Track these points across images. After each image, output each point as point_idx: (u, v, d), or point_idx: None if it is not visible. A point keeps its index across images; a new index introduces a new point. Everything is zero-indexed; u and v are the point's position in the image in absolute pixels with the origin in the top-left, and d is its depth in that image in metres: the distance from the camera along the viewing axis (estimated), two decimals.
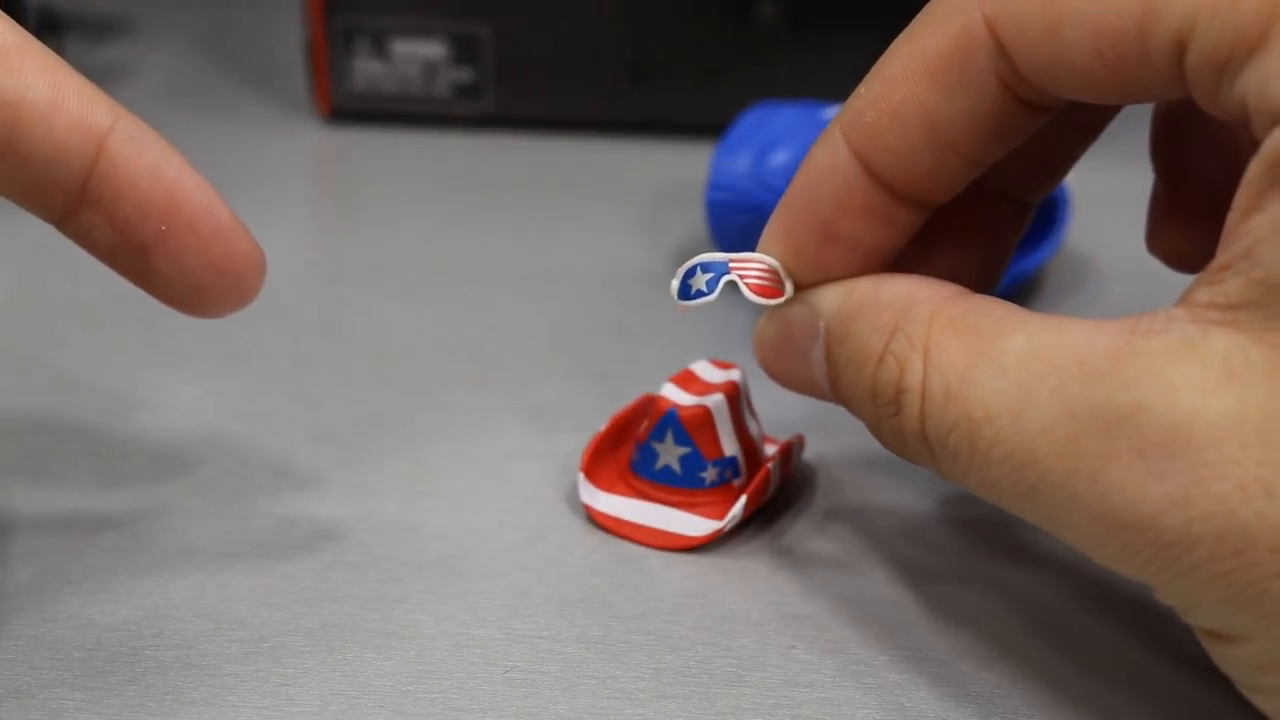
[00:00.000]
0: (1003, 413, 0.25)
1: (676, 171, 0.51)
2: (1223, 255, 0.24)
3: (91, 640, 0.29)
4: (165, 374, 0.39)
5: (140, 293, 0.41)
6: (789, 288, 0.30)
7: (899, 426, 0.28)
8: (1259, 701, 0.25)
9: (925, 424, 0.27)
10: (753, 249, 0.30)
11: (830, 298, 0.30)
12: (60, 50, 0.55)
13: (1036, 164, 0.31)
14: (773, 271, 0.30)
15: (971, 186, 0.31)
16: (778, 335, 0.31)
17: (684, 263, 0.31)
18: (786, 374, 0.31)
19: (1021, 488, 0.26)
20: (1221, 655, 0.25)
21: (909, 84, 0.28)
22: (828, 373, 0.30)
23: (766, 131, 0.43)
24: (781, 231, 0.30)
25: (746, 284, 0.30)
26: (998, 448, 0.26)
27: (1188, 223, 0.32)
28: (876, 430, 0.29)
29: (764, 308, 0.31)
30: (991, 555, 0.33)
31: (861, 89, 0.29)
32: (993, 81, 0.27)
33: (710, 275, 0.30)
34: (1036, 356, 0.25)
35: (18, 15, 0.47)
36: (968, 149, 0.28)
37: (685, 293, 0.30)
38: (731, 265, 0.30)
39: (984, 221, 0.31)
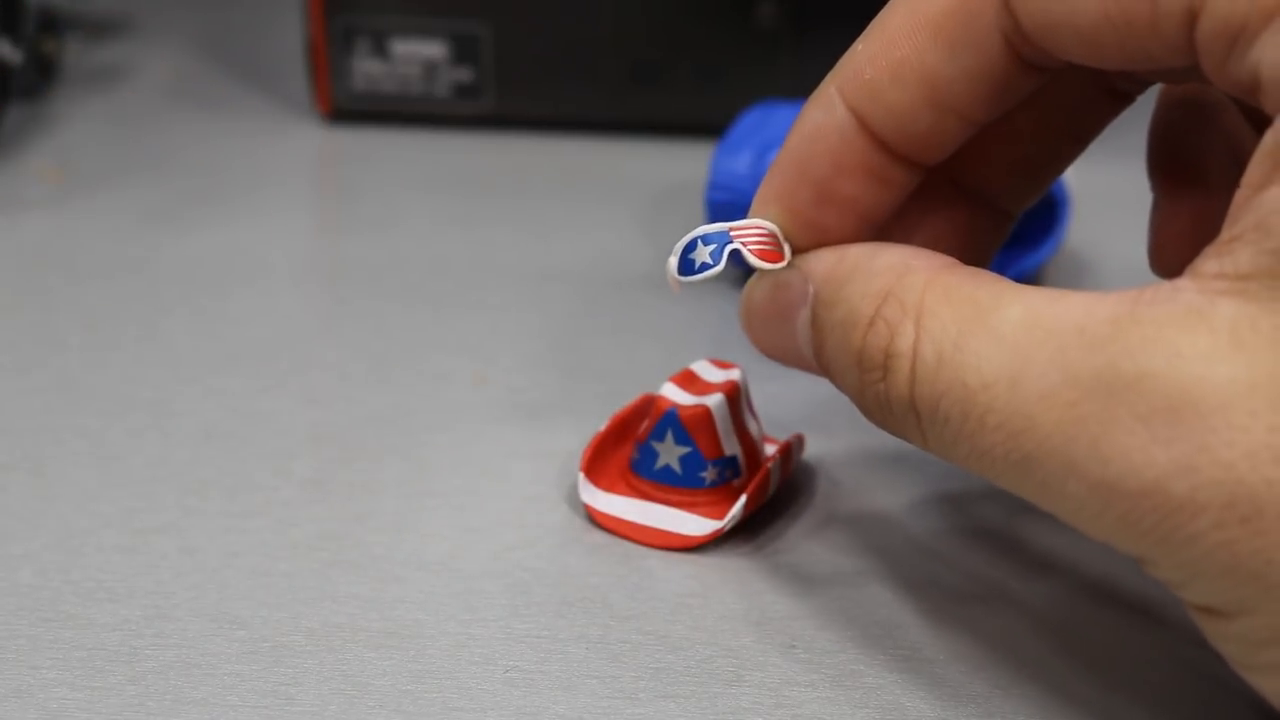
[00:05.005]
0: (999, 379, 0.25)
1: (676, 171, 0.51)
2: (1232, 228, 0.24)
3: (91, 640, 0.29)
4: (165, 374, 0.39)
5: (140, 294, 0.41)
6: (788, 251, 0.29)
7: (884, 393, 0.27)
8: (1256, 680, 0.25)
9: (915, 389, 0.26)
10: None
11: (822, 262, 0.29)
12: (60, 50, 0.56)
13: (1024, 173, 0.31)
14: (772, 236, 0.29)
15: (955, 192, 0.31)
16: (765, 299, 0.30)
17: (679, 242, 0.30)
18: (769, 340, 0.30)
19: (1015, 455, 0.25)
20: (1217, 632, 0.24)
21: (911, 40, 0.27)
22: (813, 339, 0.29)
23: (766, 131, 0.43)
24: (775, 193, 0.29)
25: (750, 250, 0.29)
26: (993, 415, 0.25)
27: (1190, 240, 0.32)
28: (860, 399, 0.28)
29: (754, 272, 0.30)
30: (990, 557, 0.33)
31: (859, 45, 0.28)
32: (997, 39, 0.27)
33: (713, 247, 0.29)
34: (1035, 324, 0.25)
35: (18, 15, 0.47)
36: (967, 110, 0.28)
37: (688, 268, 0.29)
38: (733, 233, 0.29)
39: (965, 228, 0.31)
